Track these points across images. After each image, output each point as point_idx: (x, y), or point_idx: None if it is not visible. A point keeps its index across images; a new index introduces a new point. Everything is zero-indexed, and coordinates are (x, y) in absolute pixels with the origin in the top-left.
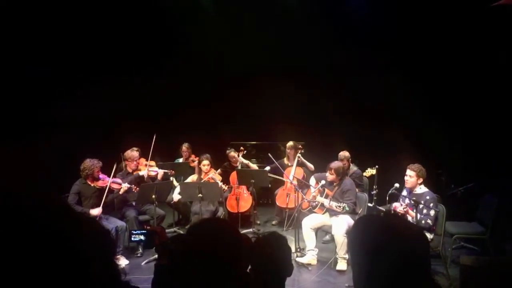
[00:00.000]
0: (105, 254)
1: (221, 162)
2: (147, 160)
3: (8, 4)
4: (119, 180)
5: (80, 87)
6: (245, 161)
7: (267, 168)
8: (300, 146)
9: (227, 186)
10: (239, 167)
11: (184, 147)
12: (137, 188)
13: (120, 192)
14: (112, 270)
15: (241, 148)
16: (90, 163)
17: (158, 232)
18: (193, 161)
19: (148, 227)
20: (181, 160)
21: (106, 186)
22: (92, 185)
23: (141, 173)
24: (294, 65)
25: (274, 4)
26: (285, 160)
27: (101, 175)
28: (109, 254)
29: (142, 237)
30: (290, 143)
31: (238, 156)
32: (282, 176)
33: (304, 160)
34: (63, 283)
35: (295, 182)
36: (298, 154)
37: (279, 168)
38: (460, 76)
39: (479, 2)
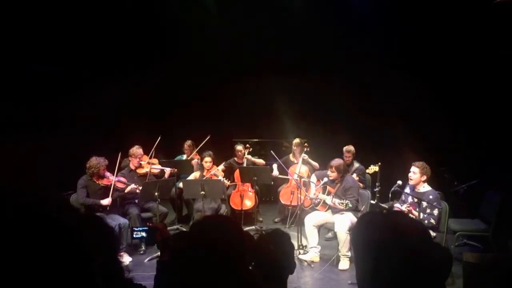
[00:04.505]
0: (108, 251)
1: (223, 159)
2: (149, 158)
3: (11, 3)
4: (123, 179)
5: (82, 85)
6: (252, 159)
7: (274, 165)
8: (306, 144)
9: (228, 181)
10: (245, 165)
11: (187, 144)
12: (140, 188)
13: (126, 191)
14: (116, 267)
15: (247, 145)
16: (96, 161)
17: (159, 229)
18: (192, 159)
19: (149, 224)
20: (184, 157)
21: (111, 184)
22: (97, 182)
23: (144, 170)
24: (298, 61)
25: None
26: (291, 157)
27: (107, 173)
28: (113, 251)
29: (143, 234)
30: (297, 140)
31: (244, 153)
32: (286, 174)
33: (309, 159)
34: (67, 280)
35: (298, 179)
36: (303, 154)
37: (283, 167)
38: (463, 73)
39: None
